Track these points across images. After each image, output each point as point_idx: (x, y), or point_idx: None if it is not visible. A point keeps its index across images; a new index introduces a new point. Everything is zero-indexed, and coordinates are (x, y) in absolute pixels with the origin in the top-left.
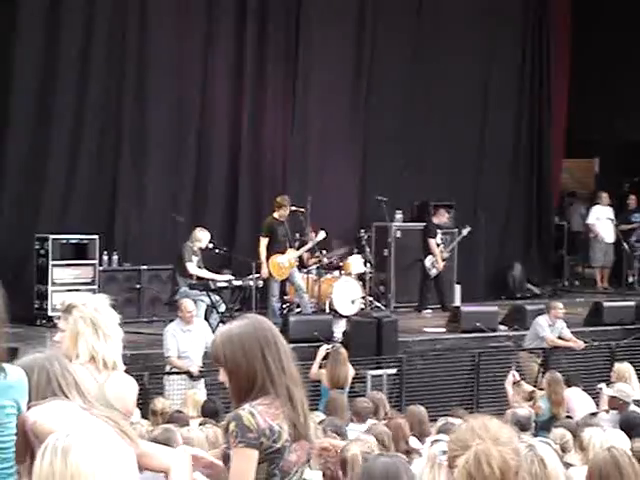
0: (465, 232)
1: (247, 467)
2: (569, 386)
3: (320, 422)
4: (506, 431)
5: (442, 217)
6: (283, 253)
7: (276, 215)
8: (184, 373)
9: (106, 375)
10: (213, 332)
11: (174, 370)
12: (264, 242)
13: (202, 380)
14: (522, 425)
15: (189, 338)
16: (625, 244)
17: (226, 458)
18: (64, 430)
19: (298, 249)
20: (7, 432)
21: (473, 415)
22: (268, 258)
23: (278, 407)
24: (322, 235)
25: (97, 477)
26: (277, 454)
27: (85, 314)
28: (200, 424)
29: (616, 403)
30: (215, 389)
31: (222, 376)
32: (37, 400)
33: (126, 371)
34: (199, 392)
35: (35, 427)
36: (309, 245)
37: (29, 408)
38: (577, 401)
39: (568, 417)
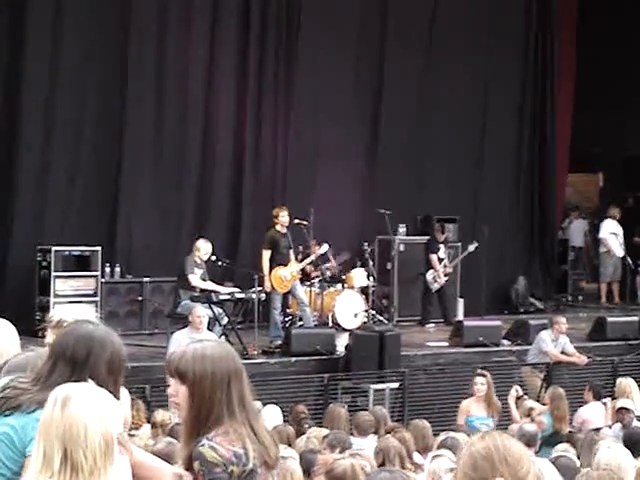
0: (472, 248)
1: None
2: (598, 398)
3: (325, 437)
4: (525, 459)
5: (440, 235)
6: (285, 265)
7: (278, 227)
8: None
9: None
10: None
11: None
12: (267, 254)
13: None
14: (528, 441)
15: None
16: (629, 259)
17: None
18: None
19: (301, 262)
20: None
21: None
22: (271, 271)
23: (235, 430)
24: (325, 248)
25: (91, 427)
26: (251, 475)
27: None
28: None
29: (620, 417)
30: None
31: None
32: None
33: (128, 383)
34: None
35: None
36: (312, 258)
37: None
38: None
39: (571, 432)
